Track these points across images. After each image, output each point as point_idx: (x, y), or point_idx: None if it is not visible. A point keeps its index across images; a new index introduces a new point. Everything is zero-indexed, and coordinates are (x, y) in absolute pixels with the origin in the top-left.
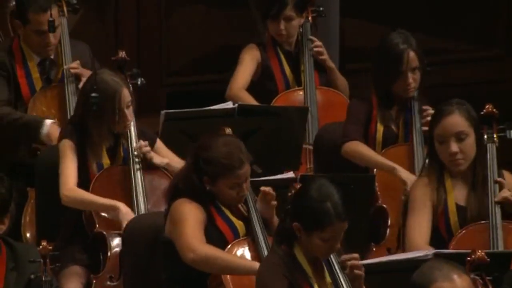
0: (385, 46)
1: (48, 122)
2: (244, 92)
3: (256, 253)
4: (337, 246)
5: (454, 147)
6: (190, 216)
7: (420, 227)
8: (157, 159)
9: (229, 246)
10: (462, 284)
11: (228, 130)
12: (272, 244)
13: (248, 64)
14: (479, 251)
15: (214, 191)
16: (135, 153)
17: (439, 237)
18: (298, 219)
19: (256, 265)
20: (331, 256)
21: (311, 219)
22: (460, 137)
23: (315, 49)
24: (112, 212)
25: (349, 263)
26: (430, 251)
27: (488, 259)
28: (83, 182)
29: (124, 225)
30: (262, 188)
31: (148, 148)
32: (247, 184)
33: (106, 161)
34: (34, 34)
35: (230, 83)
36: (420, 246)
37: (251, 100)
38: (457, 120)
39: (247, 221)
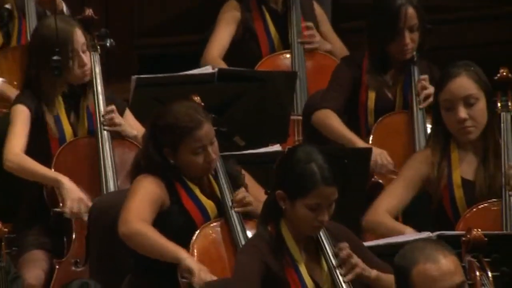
0: (382, 0)
1: None
2: (220, 61)
3: (229, 237)
4: (326, 219)
5: (463, 113)
6: (141, 191)
7: (389, 196)
8: (126, 128)
9: (198, 231)
10: (447, 265)
11: (197, 99)
12: (257, 225)
13: (226, 27)
14: (475, 230)
15: (179, 164)
16: (102, 119)
17: (444, 217)
18: (281, 186)
19: (183, 254)
20: (325, 244)
21: (294, 182)
22: (469, 102)
23: (303, 40)
24: (56, 187)
25: (341, 254)
26: (434, 233)
27: (486, 239)
28: (42, 142)
29: (67, 203)
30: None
31: (115, 114)
32: (214, 148)
33: (67, 127)
34: None
35: (205, 50)
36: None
37: None
38: (465, 83)
39: (219, 201)
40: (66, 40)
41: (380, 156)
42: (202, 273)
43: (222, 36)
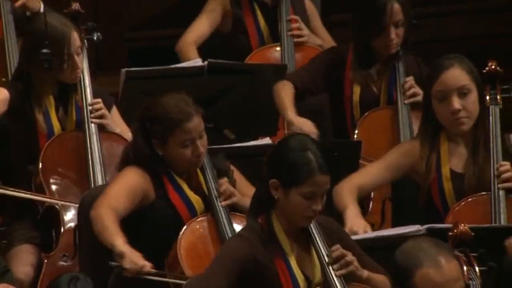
0: None
1: None
2: (193, 47)
3: (216, 232)
4: (319, 208)
5: (457, 103)
6: (123, 180)
7: (363, 173)
8: (110, 123)
9: (185, 226)
10: (451, 271)
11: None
12: (246, 217)
13: (208, 16)
14: (462, 225)
15: (167, 157)
16: (90, 107)
17: (434, 209)
18: (275, 174)
19: (118, 241)
20: (316, 237)
21: (290, 171)
22: (462, 92)
23: (292, 32)
24: None
25: (334, 254)
26: (423, 226)
27: (472, 234)
28: (31, 137)
29: None
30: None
31: (101, 105)
32: (203, 141)
33: (55, 122)
34: None
35: (183, 34)
36: (344, 189)
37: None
38: (458, 74)
39: (206, 197)
40: (63, 41)
41: (304, 124)
42: (134, 256)
43: (201, 24)
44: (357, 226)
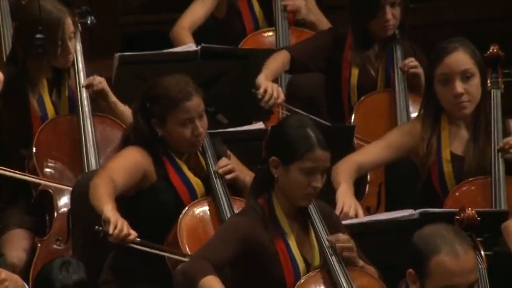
0: None
1: None
2: (187, 33)
3: (217, 215)
4: (319, 185)
5: (460, 87)
6: (123, 156)
7: (365, 151)
8: (108, 90)
9: (185, 209)
10: (468, 262)
11: None
12: (247, 199)
13: (202, 2)
14: (469, 209)
15: (166, 137)
16: (84, 94)
17: (432, 193)
18: (275, 152)
19: (107, 206)
20: (316, 219)
21: (289, 146)
22: (466, 76)
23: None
24: None
25: (338, 245)
26: (416, 210)
27: (479, 218)
28: (25, 120)
29: None
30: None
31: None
32: (203, 123)
33: (49, 105)
34: None
35: (178, 20)
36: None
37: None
38: (462, 57)
39: (207, 180)
40: (56, 26)
41: (270, 87)
42: (120, 223)
43: (196, 10)
44: (348, 205)
